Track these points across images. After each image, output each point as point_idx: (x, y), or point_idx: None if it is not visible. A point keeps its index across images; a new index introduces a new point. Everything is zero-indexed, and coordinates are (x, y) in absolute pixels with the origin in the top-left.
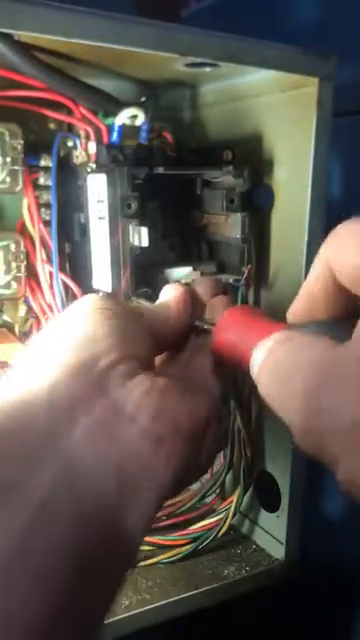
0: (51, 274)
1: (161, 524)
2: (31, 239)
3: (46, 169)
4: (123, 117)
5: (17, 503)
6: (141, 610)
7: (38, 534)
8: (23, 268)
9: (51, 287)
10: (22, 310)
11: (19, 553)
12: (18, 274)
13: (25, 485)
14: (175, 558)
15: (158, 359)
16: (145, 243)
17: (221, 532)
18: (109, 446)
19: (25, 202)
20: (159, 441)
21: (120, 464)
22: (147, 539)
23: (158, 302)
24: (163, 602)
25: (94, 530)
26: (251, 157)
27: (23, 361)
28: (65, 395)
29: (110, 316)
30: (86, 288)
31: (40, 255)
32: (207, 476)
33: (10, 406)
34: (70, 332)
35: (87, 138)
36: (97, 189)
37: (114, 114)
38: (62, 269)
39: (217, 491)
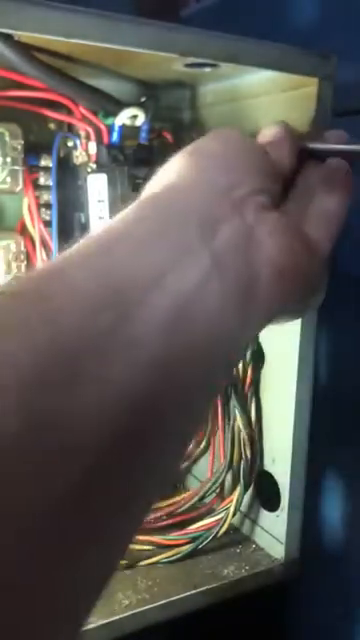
0: None
1: (161, 524)
2: (31, 239)
3: (46, 169)
4: (123, 117)
5: (174, 285)
6: (141, 610)
7: (184, 322)
8: (23, 268)
9: None
10: None
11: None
12: (18, 274)
13: (180, 268)
14: (175, 558)
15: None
16: None
17: (221, 532)
18: (241, 261)
19: (25, 202)
20: (281, 274)
21: (247, 282)
22: (146, 539)
23: (268, 141)
24: (163, 602)
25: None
26: None
27: (169, 169)
28: (213, 211)
29: (248, 149)
30: None
31: (40, 255)
32: (207, 475)
33: (159, 204)
34: (217, 158)
35: (87, 138)
36: (97, 189)
37: (114, 114)
38: None
39: (217, 491)
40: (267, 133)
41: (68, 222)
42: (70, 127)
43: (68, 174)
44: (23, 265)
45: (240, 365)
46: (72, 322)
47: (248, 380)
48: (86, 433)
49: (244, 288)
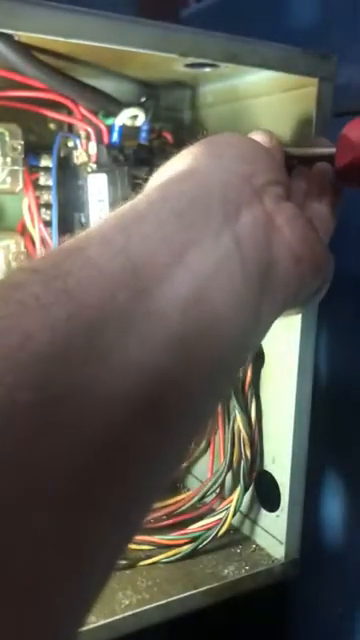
0: None
1: (161, 524)
2: (31, 239)
3: (46, 169)
4: (123, 117)
5: (195, 263)
6: (140, 610)
7: (203, 300)
8: None
9: None
10: None
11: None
12: None
13: (202, 247)
14: (175, 558)
15: None
16: None
17: (221, 532)
18: (262, 246)
19: (25, 202)
20: (298, 261)
21: (267, 266)
22: (146, 539)
23: (264, 145)
24: (162, 602)
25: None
26: None
27: (184, 155)
28: (234, 195)
29: (259, 146)
30: None
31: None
32: (207, 475)
33: (181, 186)
34: (233, 148)
35: (87, 138)
36: (98, 189)
37: (114, 114)
38: None
39: (217, 491)
40: (258, 138)
41: (68, 222)
42: (70, 127)
43: (68, 174)
44: None
45: None
46: (91, 297)
47: (248, 380)
48: (104, 407)
49: (263, 272)
